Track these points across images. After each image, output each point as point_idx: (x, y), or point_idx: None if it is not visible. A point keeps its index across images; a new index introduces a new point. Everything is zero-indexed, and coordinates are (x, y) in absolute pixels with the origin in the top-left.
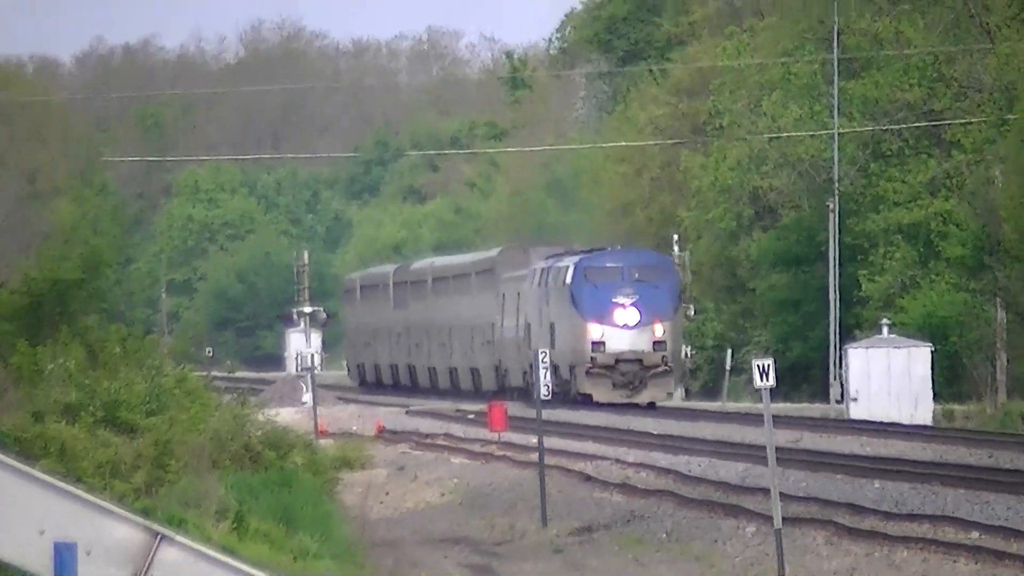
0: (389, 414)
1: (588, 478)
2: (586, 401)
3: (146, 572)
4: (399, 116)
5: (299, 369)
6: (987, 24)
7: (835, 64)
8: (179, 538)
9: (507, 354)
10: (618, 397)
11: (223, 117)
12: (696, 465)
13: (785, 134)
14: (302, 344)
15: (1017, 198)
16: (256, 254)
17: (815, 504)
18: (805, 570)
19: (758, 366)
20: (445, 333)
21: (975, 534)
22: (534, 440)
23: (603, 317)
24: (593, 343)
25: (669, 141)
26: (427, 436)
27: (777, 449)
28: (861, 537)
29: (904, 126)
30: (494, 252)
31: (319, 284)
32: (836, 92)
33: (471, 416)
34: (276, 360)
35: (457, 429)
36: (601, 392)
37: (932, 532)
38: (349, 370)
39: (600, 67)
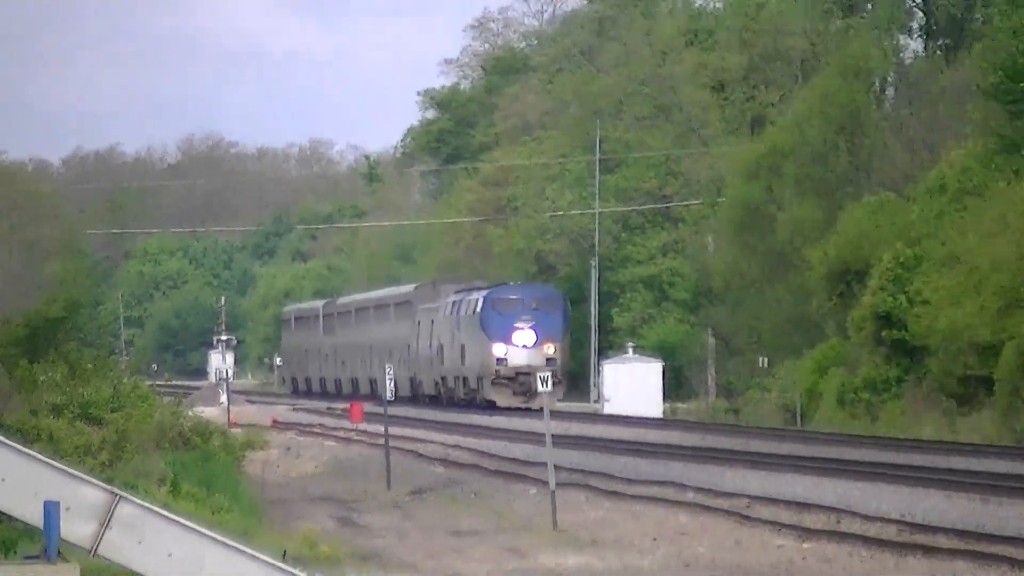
0: (281, 411)
1: (419, 455)
2: (491, 406)
3: (108, 522)
4: (289, 201)
5: (217, 379)
6: (703, 135)
7: (597, 163)
8: (132, 498)
9: (421, 369)
10: (517, 403)
11: (165, 203)
12: (496, 446)
13: (561, 213)
14: (220, 362)
15: (723, 258)
16: (188, 299)
17: (579, 473)
18: (571, 519)
19: (540, 378)
20: (367, 352)
21: (691, 494)
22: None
23: (506, 338)
24: (497, 359)
25: (479, 219)
26: (307, 426)
27: (553, 435)
28: (611, 496)
29: (645, 207)
30: (411, 287)
31: (232, 320)
32: (597, 183)
33: (338, 412)
34: (201, 373)
35: (329, 421)
36: (503, 399)
37: (661, 492)
38: (284, 381)
39: (431, 166)
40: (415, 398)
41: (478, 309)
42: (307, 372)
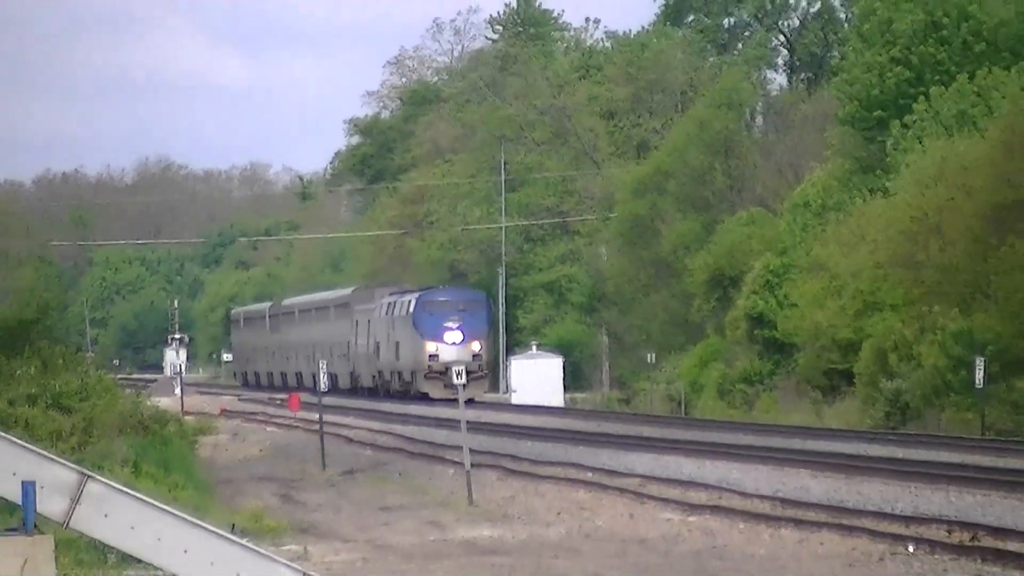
0: (228, 400)
1: (351, 440)
2: (424, 397)
3: (78, 499)
4: (232, 216)
5: (172, 373)
6: (595, 158)
7: (502, 183)
8: (99, 478)
9: (360, 364)
10: (447, 394)
11: (124, 218)
12: (418, 432)
13: (471, 226)
14: (174, 357)
15: (614, 266)
16: (145, 302)
17: (491, 455)
18: (484, 496)
19: (455, 371)
20: (310, 349)
21: (589, 474)
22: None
23: (437, 337)
24: (429, 355)
25: (399, 232)
26: (252, 414)
27: (468, 422)
28: (519, 476)
29: (545, 221)
30: (349, 291)
31: (183, 320)
32: (503, 200)
33: (279, 402)
34: (158, 367)
35: (271, 410)
36: (435, 391)
37: (563, 472)
38: (235, 375)
39: (356, 186)
40: (355, 390)
41: (411, 310)
42: (256, 367)
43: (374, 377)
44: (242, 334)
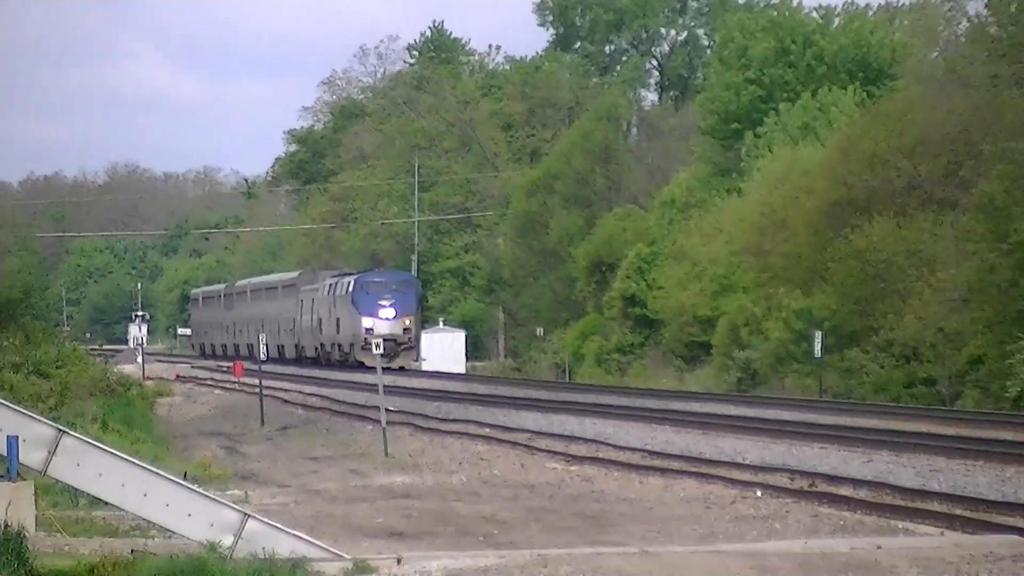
0: (183, 368)
1: (285, 401)
2: (361, 366)
3: (55, 451)
4: (189, 211)
5: (135, 345)
6: (495, 163)
7: (416, 184)
8: (72, 433)
9: (304, 338)
10: (382, 363)
11: (96, 213)
12: (343, 395)
13: (389, 221)
14: (136, 332)
15: (510, 254)
16: (112, 285)
17: (404, 415)
18: (398, 448)
19: (375, 343)
20: (260, 324)
21: (487, 430)
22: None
23: (372, 313)
24: (366, 329)
25: (329, 226)
26: (203, 380)
27: (384, 386)
28: (428, 431)
29: (452, 216)
30: (295, 273)
31: (145, 300)
32: (416, 199)
33: (225, 368)
34: (123, 340)
35: (219, 376)
36: (370, 360)
37: (464, 428)
38: (193, 347)
39: (293, 187)
40: (299, 360)
41: (350, 290)
42: (212, 340)
43: (316, 348)
44: (200, 311)
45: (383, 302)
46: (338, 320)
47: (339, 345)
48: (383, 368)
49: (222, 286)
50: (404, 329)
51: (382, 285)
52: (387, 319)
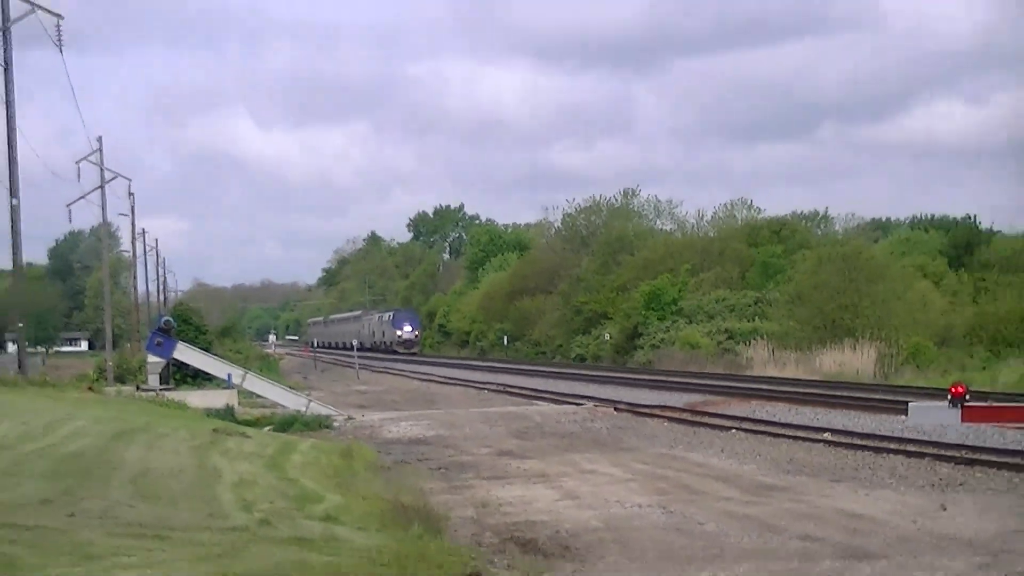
0: (283, 351)
1: (327, 362)
2: (395, 353)
3: (244, 379)
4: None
5: (271, 343)
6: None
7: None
8: (251, 371)
9: (366, 340)
10: (405, 352)
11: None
12: (349, 359)
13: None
14: (272, 338)
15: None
16: (261, 321)
17: (367, 365)
18: (364, 377)
19: (387, 342)
20: (341, 335)
21: (405, 367)
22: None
23: (401, 329)
24: (398, 336)
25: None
26: (295, 354)
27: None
28: (376, 372)
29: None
30: (359, 312)
31: (271, 325)
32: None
33: (308, 353)
34: (265, 341)
35: (307, 352)
36: (401, 350)
37: (395, 368)
38: (311, 344)
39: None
40: (362, 350)
41: (390, 319)
42: (320, 340)
43: (374, 344)
44: (320, 331)
45: (405, 324)
46: (383, 331)
47: (386, 343)
48: (407, 353)
49: (322, 317)
50: (415, 336)
51: (403, 314)
52: (408, 331)
